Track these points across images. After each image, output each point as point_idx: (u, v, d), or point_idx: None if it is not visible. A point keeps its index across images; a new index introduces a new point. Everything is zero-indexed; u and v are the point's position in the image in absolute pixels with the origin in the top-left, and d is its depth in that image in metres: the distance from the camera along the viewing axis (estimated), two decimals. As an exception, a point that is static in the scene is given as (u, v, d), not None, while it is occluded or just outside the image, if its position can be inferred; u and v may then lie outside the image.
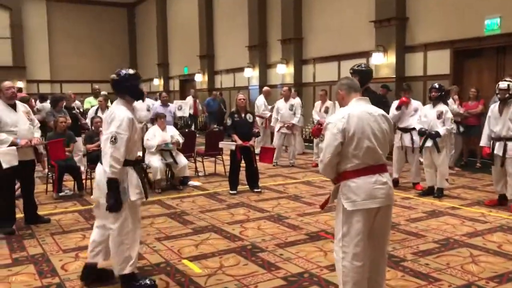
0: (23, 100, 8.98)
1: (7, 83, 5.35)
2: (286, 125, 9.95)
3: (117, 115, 3.62)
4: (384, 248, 3.26)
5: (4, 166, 5.19)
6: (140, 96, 3.86)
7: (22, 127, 5.35)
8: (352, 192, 3.04)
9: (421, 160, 7.35)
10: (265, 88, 12.24)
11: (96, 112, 9.17)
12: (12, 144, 5.20)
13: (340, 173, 3.12)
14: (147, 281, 3.82)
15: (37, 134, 5.61)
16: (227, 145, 7.72)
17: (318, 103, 10.48)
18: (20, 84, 22.35)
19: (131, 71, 3.80)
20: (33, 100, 11.22)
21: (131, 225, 3.74)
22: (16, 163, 5.21)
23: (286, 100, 10.18)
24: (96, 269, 3.93)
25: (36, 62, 23.86)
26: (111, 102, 8.15)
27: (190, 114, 17.05)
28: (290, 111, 10.03)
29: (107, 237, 3.78)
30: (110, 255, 3.85)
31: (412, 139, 7.32)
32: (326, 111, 9.90)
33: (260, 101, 11.52)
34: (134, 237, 3.79)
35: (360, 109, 3.10)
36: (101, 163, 3.72)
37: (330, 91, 11.60)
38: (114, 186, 3.58)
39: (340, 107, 3.29)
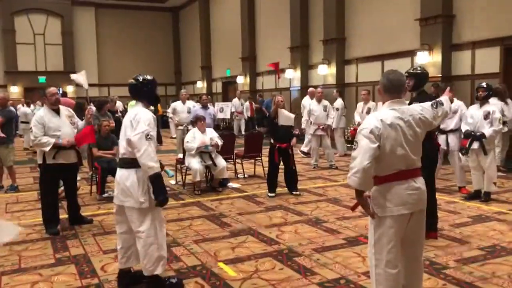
0: (78, 105, 9.34)
1: (51, 90, 5.56)
2: (321, 127, 9.84)
3: (143, 115, 3.73)
4: (419, 254, 3.15)
5: (48, 161, 5.45)
6: (156, 101, 4.02)
7: (65, 131, 5.55)
8: (383, 198, 2.96)
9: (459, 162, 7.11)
10: (311, 89, 12.05)
11: None
12: (55, 145, 5.42)
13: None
14: (174, 280, 3.89)
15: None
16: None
17: (360, 104, 10.27)
18: (70, 88, 23.26)
19: (148, 77, 3.92)
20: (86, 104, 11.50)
21: (158, 225, 3.80)
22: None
23: (319, 101, 10.06)
24: (130, 273, 4.00)
25: (85, 66, 24.54)
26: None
27: (248, 117, 17.20)
28: (324, 112, 9.93)
29: (134, 241, 3.85)
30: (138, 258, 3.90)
31: (447, 141, 7.06)
32: (368, 112, 9.73)
33: (306, 103, 11.36)
34: (162, 236, 3.84)
35: (392, 114, 2.95)
36: (124, 167, 3.80)
37: (373, 92, 11.35)
38: (161, 181, 3.70)
39: (382, 101, 3.17)
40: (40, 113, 5.60)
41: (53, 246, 5.09)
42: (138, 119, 3.70)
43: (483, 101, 6.58)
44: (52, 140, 5.40)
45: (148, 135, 3.63)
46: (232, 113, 17.50)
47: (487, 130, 6.37)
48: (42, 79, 23.18)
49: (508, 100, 8.62)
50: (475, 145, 6.47)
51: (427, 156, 4.05)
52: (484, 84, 6.64)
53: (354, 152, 2.93)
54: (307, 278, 4.03)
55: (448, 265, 4.23)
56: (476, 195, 6.69)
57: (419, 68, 5.11)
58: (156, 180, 3.66)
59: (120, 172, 3.83)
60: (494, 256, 4.45)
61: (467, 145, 6.68)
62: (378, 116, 2.96)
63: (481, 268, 4.15)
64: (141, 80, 3.88)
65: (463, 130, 6.73)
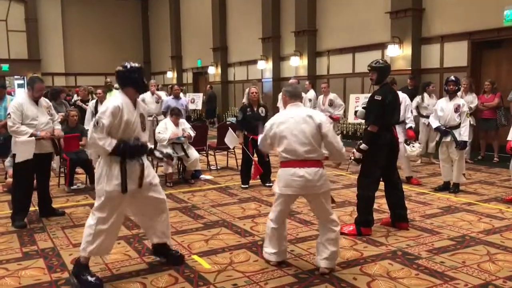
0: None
1: (41, 86, 5.43)
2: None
3: (107, 103, 3.81)
4: (325, 221, 3.98)
5: (17, 160, 5.23)
6: (143, 88, 4.03)
7: (41, 120, 5.40)
8: (278, 179, 3.94)
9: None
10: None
11: (96, 105, 8.70)
12: (32, 135, 5.25)
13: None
14: (92, 279, 3.72)
15: (58, 127, 5.67)
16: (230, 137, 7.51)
17: (320, 97, 10.13)
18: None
19: (136, 64, 3.91)
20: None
21: (106, 214, 3.75)
22: (30, 156, 5.25)
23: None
24: (160, 248, 4.24)
25: (50, 55, 24.01)
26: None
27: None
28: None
29: (151, 222, 4.07)
30: (161, 235, 4.12)
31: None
32: (331, 104, 9.50)
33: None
34: (105, 227, 3.75)
35: (286, 114, 3.92)
36: None
37: (344, 84, 11.43)
38: (121, 149, 3.68)
39: (284, 106, 4.13)
40: (19, 100, 5.40)
41: (20, 240, 4.92)
42: (103, 105, 3.83)
43: (453, 94, 6.69)
44: (30, 131, 5.24)
45: (97, 122, 3.65)
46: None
47: (463, 136, 6.47)
48: (5, 67, 22.42)
49: (474, 94, 8.87)
50: (447, 137, 6.59)
51: (385, 146, 4.90)
52: (453, 78, 6.76)
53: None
54: (282, 269, 4.02)
55: (420, 255, 4.30)
56: (445, 187, 6.83)
57: (381, 61, 5.15)
58: (120, 150, 3.67)
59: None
60: (464, 246, 4.55)
61: (437, 139, 6.81)
62: (273, 117, 4.01)
63: (452, 257, 4.24)
64: (128, 67, 3.86)
65: (433, 125, 6.83)
